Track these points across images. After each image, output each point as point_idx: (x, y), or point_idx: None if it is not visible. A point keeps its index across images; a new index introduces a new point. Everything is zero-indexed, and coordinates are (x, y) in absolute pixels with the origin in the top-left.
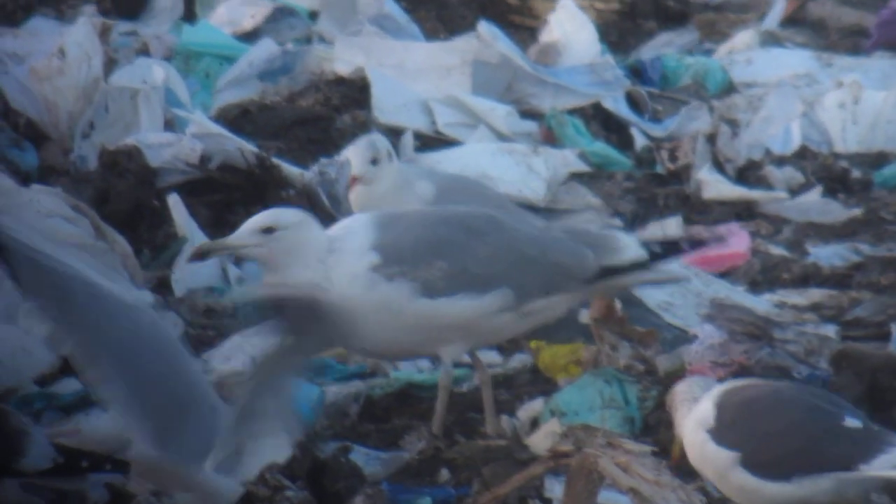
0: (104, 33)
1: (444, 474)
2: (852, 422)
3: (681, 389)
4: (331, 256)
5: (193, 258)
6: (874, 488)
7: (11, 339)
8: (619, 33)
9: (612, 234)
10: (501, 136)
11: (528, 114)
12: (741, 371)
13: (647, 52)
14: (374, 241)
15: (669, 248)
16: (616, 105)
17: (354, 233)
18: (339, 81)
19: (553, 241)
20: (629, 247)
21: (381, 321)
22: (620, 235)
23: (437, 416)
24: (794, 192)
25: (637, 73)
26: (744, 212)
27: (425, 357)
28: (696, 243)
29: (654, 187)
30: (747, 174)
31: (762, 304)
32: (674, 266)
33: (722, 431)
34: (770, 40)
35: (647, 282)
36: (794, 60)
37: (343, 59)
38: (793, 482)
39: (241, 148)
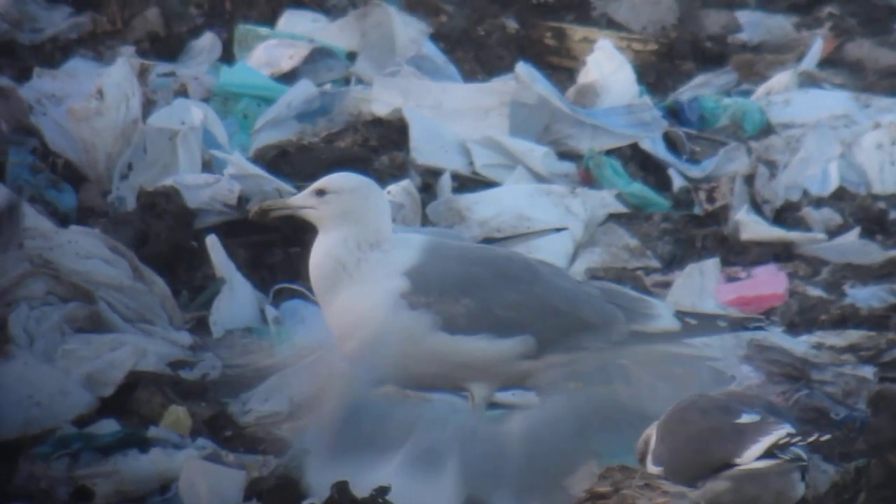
0: (143, 74)
1: None
2: (748, 417)
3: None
4: (372, 255)
5: (255, 216)
6: (775, 480)
7: (50, 380)
8: (656, 74)
9: (648, 300)
10: (539, 177)
11: (565, 155)
12: None
13: (684, 92)
14: (409, 266)
15: (705, 323)
16: (654, 146)
17: (405, 246)
18: (377, 122)
19: (585, 298)
20: (663, 316)
21: (402, 348)
22: (656, 303)
23: None
24: (832, 233)
25: (675, 113)
26: (782, 253)
27: (453, 391)
28: (737, 323)
29: (692, 228)
30: (785, 215)
31: (800, 345)
32: (703, 341)
33: (656, 451)
34: (808, 81)
35: (675, 355)
36: (832, 101)
37: (381, 100)
38: (699, 487)
39: (278, 189)
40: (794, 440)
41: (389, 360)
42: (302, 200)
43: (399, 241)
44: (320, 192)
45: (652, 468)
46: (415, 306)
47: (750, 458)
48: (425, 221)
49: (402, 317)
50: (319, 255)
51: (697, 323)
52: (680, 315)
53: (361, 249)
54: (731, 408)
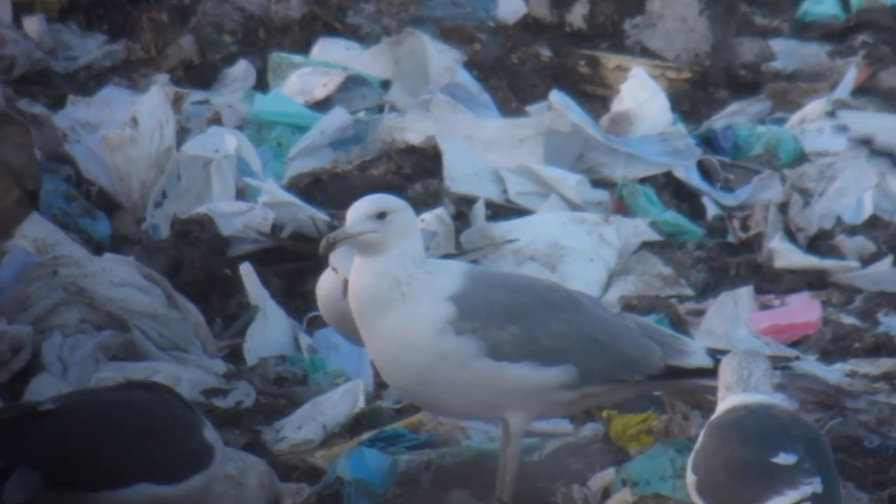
0: (176, 102)
1: None
2: (785, 458)
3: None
4: (419, 273)
5: (324, 250)
6: None
7: None
8: (690, 102)
9: (682, 337)
10: (573, 206)
11: (599, 183)
12: None
13: (718, 120)
14: (456, 292)
15: None
16: (688, 174)
17: (447, 272)
18: (411, 150)
19: (625, 331)
20: (697, 353)
21: (447, 374)
22: (689, 341)
23: (506, 484)
24: (866, 261)
25: (709, 142)
26: (815, 281)
27: (484, 420)
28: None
29: (726, 256)
30: (819, 243)
31: (833, 373)
32: None
33: (695, 455)
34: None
35: (711, 389)
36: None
37: (414, 128)
38: None
39: (312, 217)
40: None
41: (433, 387)
42: (362, 226)
43: (440, 265)
44: (381, 215)
45: (689, 470)
46: (461, 332)
47: None
48: (459, 249)
49: (449, 342)
50: (372, 276)
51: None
52: (711, 352)
53: (416, 266)
54: (769, 441)
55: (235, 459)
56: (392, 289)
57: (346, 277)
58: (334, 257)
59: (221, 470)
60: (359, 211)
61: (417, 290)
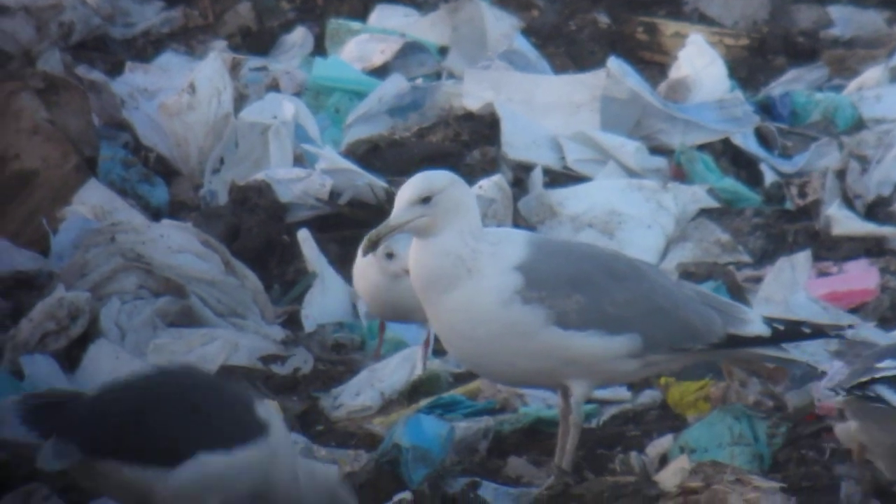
0: (234, 69)
1: None
2: None
3: None
4: (481, 246)
5: (366, 250)
6: None
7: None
8: (748, 69)
9: (740, 306)
10: (631, 173)
11: (657, 150)
12: None
13: (776, 88)
14: (521, 262)
15: (792, 330)
16: (745, 141)
17: (511, 241)
18: (469, 117)
19: (687, 300)
20: (754, 321)
21: (514, 344)
22: (747, 309)
23: (567, 452)
24: None
25: (766, 109)
26: (873, 248)
27: (544, 388)
28: (820, 330)
29: (784, 223)
30: (876, 210)
31: (891, 339)
32: (792, 349)
33: None
34: None
35: (769, 357)
36: None
37: (472, 94)
38: None
39: (370, 183)
40: None
41: (500, 357)
42: (407, 215)
43: (502, 235)
44: (425, 200)
45: None
46: (528, 301)
47: None
48: (517, 216)
49: (516, 311)
50: (434, 256)
51: (785, 329)
52: (768, 320)
53: (476, 239)
54: None
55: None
56: (457, 266)
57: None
58: (391, 242)
59: (285, 456)
60: (402, 199)
61: (483, 263)
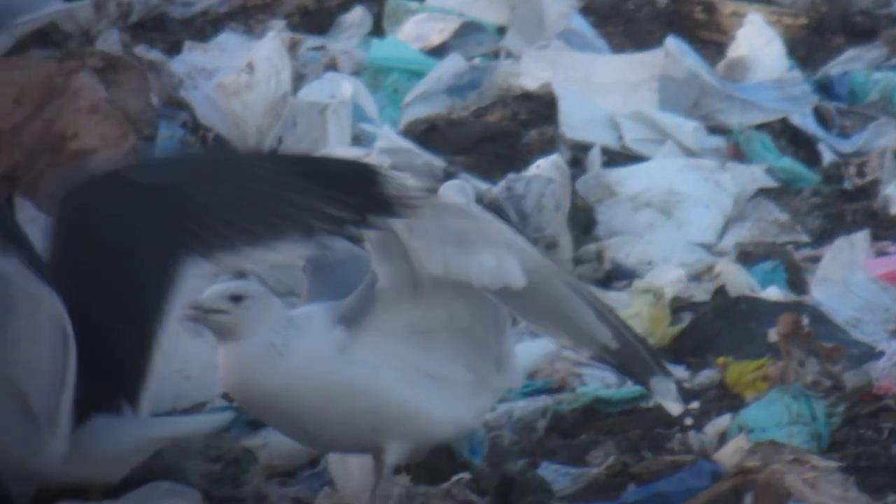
0: (293, 48)
1: (632, 489)
2: None
3: None
4: (289, 332)
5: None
6: None
7: (200, 354)
8: (806, 49)
9: None
10: (689, 152)
11: (715, 129)
12: None
13: (834, 67)
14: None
15: None
16: (804, 121)
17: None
18: (527, 97)
19: None
20: None
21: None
22: None
23: None
24: None
25: (825, 88)
26: None
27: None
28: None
29: (842, 203)
30: None
31: None
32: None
33: None
34: None
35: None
36: None
37: (530, 74)
38: None
39: (428, 163)
40: None
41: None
42: (216, 303)
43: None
44: (237, 298)
45: None
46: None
47: None
48: (575, 196)
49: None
50: (246, 352)
51: None
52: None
53: (285, 327)
54: None
55: None
56: (269, 351)
57: None
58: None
59: None
60: (216, 289)
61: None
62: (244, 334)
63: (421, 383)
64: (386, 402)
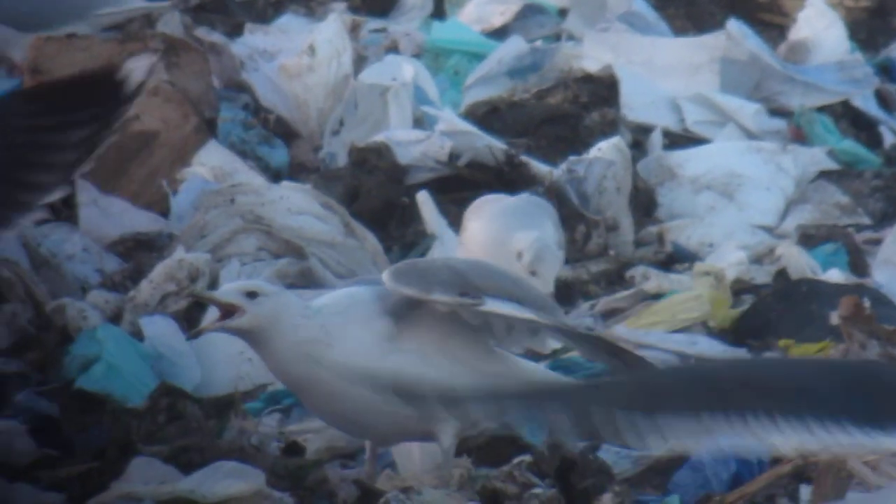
0: (354, 30)
1: (692, 472)
2: None
3: None
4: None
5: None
6: None
7: None
8: (868, 31)
9: None
10: (750, 135)
11: (776, 112)
12: None
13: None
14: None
15: None
16: (865, 103)
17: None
18: (588, 79)
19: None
20: None
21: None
22: None
23: None
24: None
25: (886, 71)
26: None
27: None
28: None
29: None
30: None
31: None
32: None
33: None
34: None
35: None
36: None
37: (591, 56)
38: None
39: (489, 145)
40: None
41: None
42: (230, 297)
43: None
44: (251, 294)
45: None
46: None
47: None
48: (636, 178)
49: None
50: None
51: None
52: None
53: (310, 317)
54: None
55: None
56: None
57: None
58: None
59: None
60: (230, 285)
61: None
62: (269, 332)
63: (463, 373)
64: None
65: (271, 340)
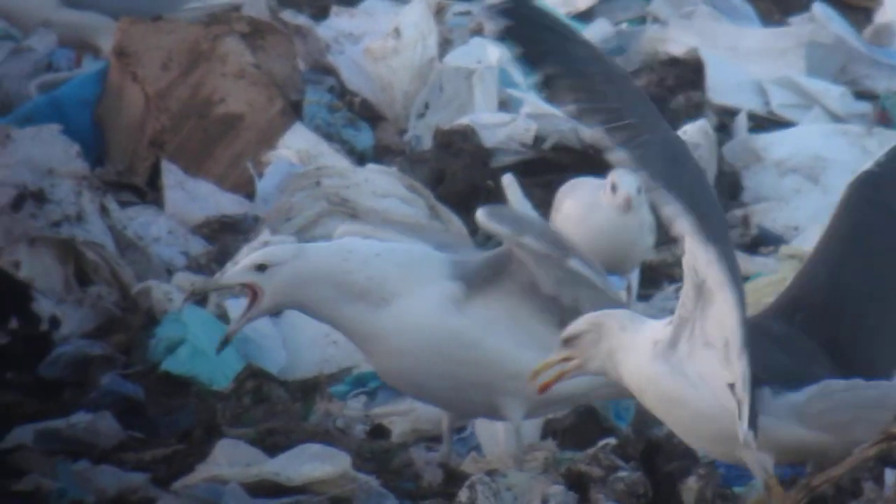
0: (439, 13)
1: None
2: None
3: None
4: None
5: (189, 299)
6: None
7: None
8: None
9: None
10: (835, 118)
11: (862, 95)
12: None
13: None
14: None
15: None
16: None
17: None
18: (673, 62)
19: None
20: None
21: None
22: None
23: None
24: None
25: None
26: None
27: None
28: None
29: None
30: None
31: None
32: None
33: None
34: None
35: None
36: None
37: (677, 40)
38: None
39: (575, 128)
40: None
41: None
42: (239, 277)
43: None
44: (260, 268)
45: None
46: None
47: None
48: (721, 161)
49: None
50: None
51: None
52: None
53: (351, 272)
54: None
55: None
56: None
57: (627, 194)
58: (614, 173)
59: None
60: (243, 262)
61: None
62: (304, 295)
63: (529, 345)
64: (490, 355)
65: (313, 305)
